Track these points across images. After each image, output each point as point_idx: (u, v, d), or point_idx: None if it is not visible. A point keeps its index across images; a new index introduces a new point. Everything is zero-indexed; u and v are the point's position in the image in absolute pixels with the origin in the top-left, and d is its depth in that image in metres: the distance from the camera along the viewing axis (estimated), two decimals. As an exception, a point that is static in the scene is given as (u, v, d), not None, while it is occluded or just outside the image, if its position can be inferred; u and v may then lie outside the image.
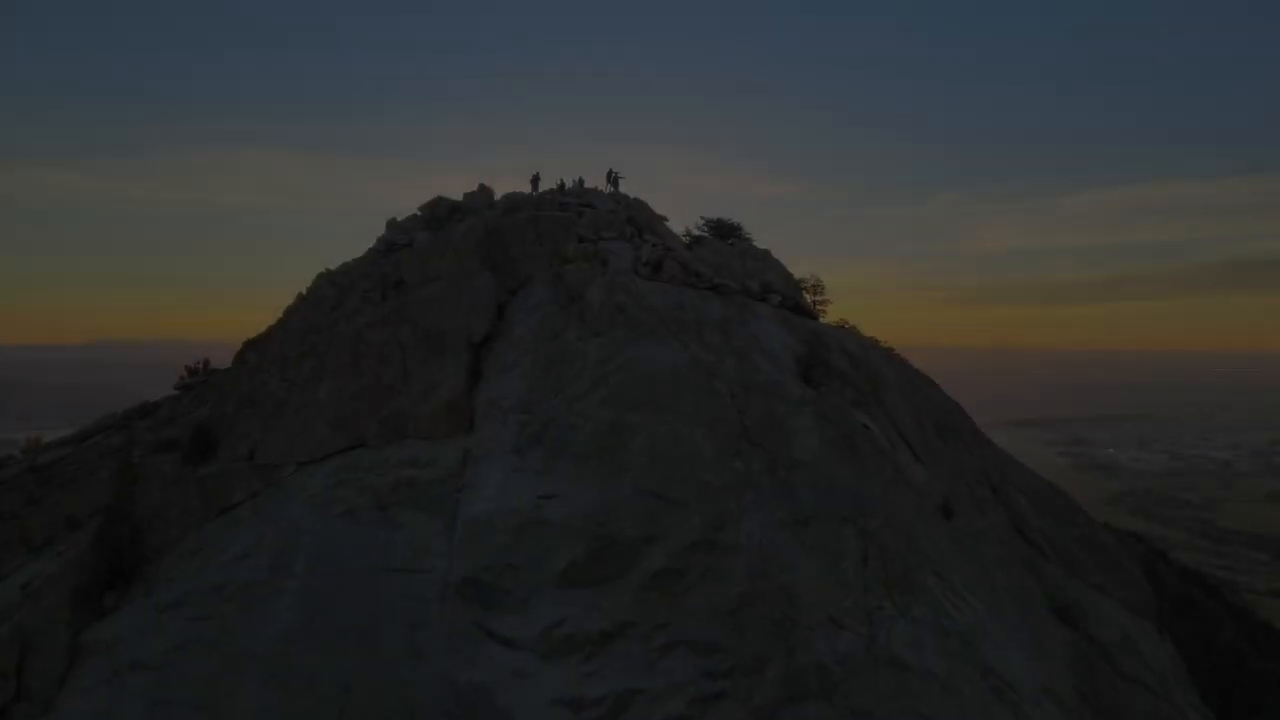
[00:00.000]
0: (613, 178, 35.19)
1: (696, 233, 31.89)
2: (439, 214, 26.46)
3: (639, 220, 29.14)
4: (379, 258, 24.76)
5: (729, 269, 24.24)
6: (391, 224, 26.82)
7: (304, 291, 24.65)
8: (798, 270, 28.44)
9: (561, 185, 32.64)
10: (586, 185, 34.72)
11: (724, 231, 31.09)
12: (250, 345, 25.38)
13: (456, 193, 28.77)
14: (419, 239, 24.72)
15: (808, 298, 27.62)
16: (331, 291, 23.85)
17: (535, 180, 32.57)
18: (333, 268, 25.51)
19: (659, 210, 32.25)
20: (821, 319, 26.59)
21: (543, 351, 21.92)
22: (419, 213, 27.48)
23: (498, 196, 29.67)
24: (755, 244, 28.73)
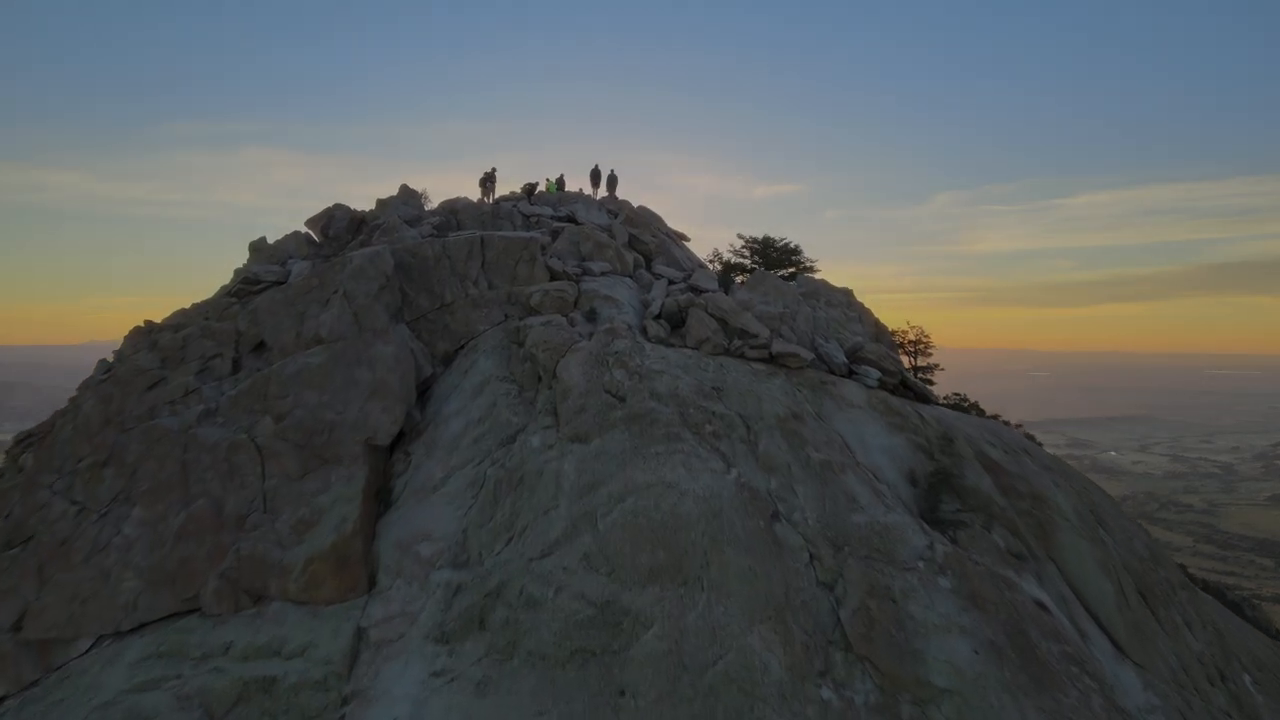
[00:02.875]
0: (602, 177, 30.47)
1: (733, 257, 26.91)
2: (333, 232, 21.52)
3: (647, 242, 24.30)
4: (230, 303, 19.62)
5: (792, 323, 19.14)
6: (256, 248, 21.79)
7: (110, 358, 19.43)
8: None
9: (530, 189, 27.88)
10: (566, 187, 30.05)
11: (775, 257, 26.07)
12: (25, 440, 20.15)
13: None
14: (296, 271, 19.66)
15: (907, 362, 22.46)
16: (150, 360, 18.70)
17: (487, 180, 27.82)
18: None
19: (673, 223, 27.30)
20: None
21: (489, 465, 17.11)
22: (304, 230, 22.44)
23: (432, 204, 24.76)
24: (823, 275, 23.55)
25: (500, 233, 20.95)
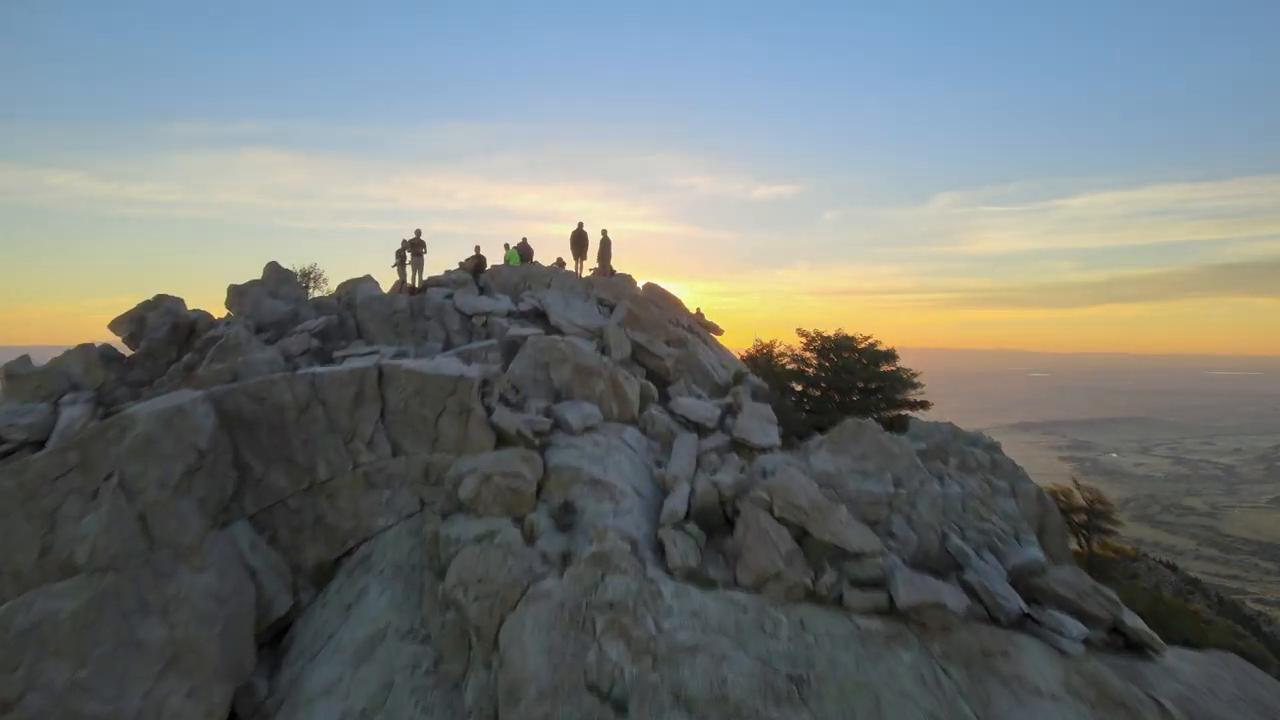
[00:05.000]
0: (590, 243, 24.30)
1: (789, 360, 20.47)
2: (147, 345, 15.06)
3: (661, 355, 18.04)
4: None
5: (910, 511, 12.74)
6: (12, 374, 15.31)
7: None
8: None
9: (476, 265, 21.75)
10: (534, 257, 23.81)
11: (855, 366, 19.70)
12: None
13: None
14: (65, 422, 13.15)
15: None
16: None
17: (410, 250, 21.69)
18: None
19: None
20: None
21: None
22: (104, 341, 16.00)
23: (328, 286, 18.50)
24: (943, 418, 17.14)
25: (409, 362, 14.40)
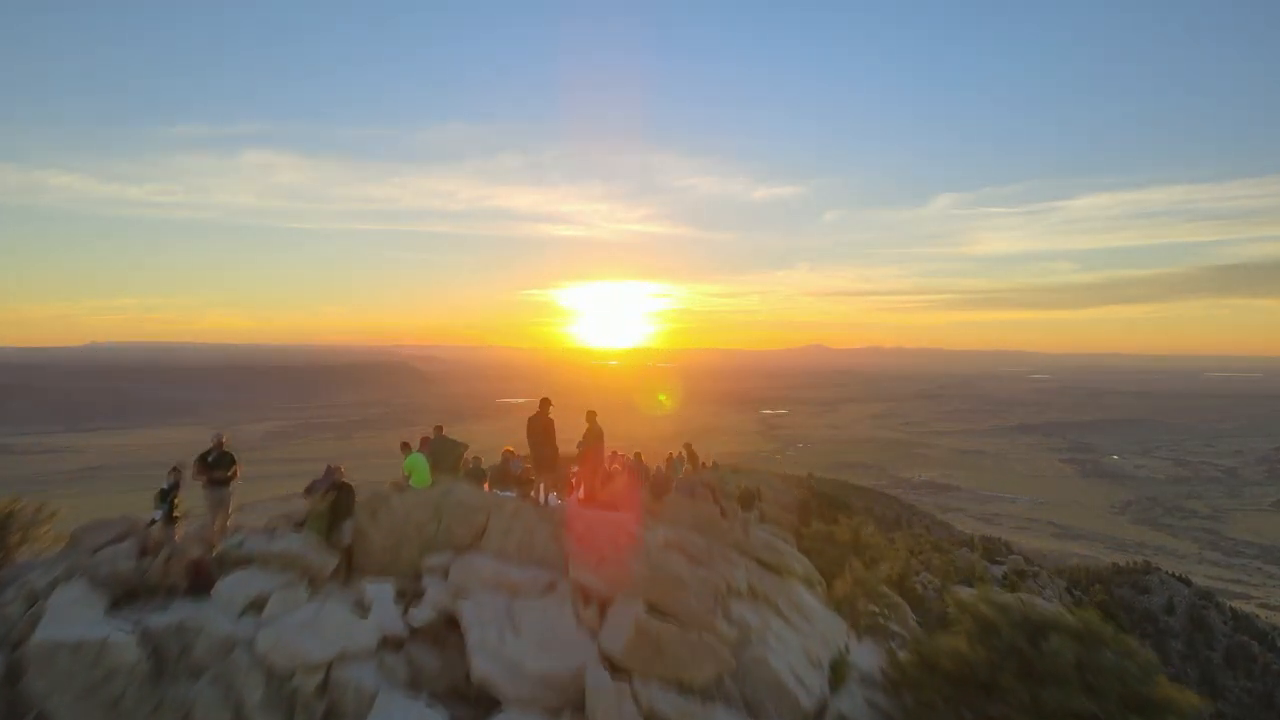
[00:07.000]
0: (553, 440, 12.33)
1: (945, 659, 11.42)
2: None
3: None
4: None
5: None
6: None
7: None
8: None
9: (334, 496, 12.98)
10: (458, 459, 15.23)
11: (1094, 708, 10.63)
12: None
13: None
14: None
15: None
16: None
17: (203, 477, 12.05)
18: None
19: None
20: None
21: None
22: None
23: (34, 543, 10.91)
24: None
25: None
